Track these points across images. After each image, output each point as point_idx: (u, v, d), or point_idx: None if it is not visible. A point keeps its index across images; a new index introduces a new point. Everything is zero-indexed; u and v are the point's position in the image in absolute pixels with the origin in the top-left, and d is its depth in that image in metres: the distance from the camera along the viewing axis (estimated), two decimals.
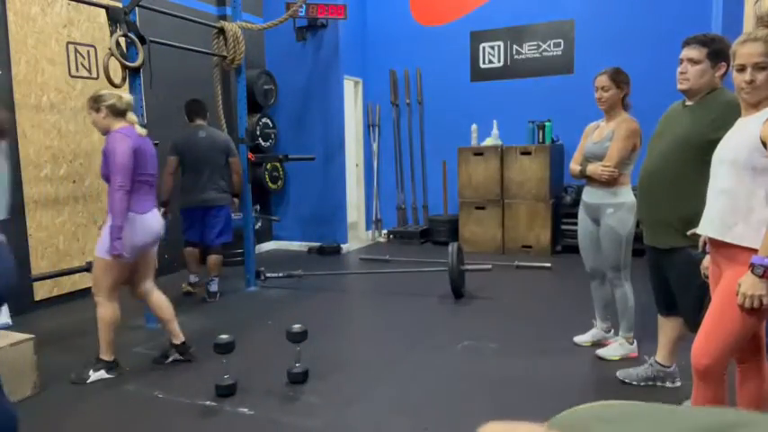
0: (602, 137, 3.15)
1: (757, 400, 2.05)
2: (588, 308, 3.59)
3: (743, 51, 1.84)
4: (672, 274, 2.55)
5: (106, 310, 3.17)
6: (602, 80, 3.14)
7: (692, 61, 2.39)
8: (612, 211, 3.13)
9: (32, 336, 2.98)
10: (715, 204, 1.95)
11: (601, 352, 3.27)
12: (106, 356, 3.20)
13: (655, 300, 2.78)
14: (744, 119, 1.93)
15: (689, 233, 2.29)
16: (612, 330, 3.44)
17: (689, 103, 2.47)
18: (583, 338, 3.49)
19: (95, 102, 3.13)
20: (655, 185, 2.51)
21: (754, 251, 1.77)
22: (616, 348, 3.25)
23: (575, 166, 3.28)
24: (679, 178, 2.41)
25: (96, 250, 3.14)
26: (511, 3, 6.57)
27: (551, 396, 2.79)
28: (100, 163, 3.21)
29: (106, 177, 3.11)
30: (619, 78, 3.12)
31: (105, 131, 3.17)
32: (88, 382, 3.12)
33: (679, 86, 2.45)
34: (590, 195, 3.24)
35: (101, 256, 3.10)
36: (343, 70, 6.75)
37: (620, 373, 2.96)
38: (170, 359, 3.37)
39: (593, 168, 3.12)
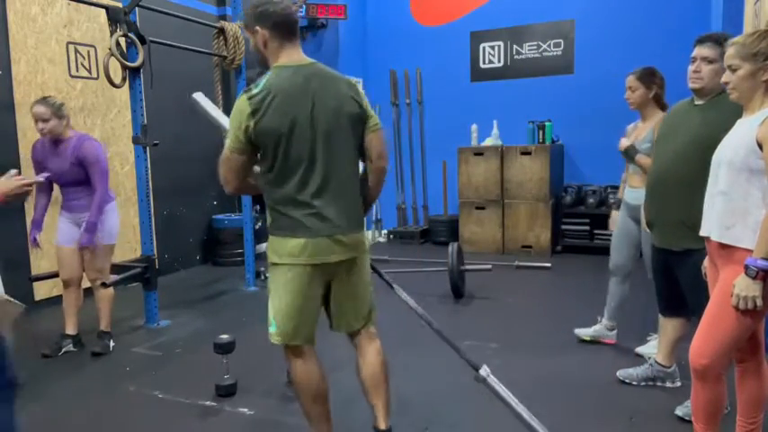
0: (642, 137, 3.10)
1: (757, 400, 2.06)
2: (588, 308, 3.60)
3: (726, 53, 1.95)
4: (684, 275, 2.49)
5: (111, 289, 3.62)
6: (630, 80, 3.14)
7: (707, 60, 2.37)
8: None
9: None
10: (713, 206, 1.95)
11: (640, 349, 3.26)
12: (110, 328, 3.66)
13: (657, 301, 2.77)
14: (741, 120, 1.94)
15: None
16: (615, 330, 3.45)
17: (699, 102, 2.44)
18: (584, 332, 3.50)
19: (59, 110, 3.36)
20: (667, 187, 2.47)
21: (751, 252, 1.78)
22: (655, 345, 3.11)
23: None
24: (693, 179, 2.29)
25: (96, 240, 3.44)
26: (511, 3, 6.57)
27: (551, 396, 2.79)
28: (52, 166, 3.38)
29: (75, 181, 3.40)
30: (646, 78, 3.10)
31: (55, 137, 3.38)
32: (111, 349, 3.59)
33: (692, 85, 2.42)
34: (633, 197, 3.18)
35: (107, 243, 3.53)
36: (343, 70, 6.71)
37: (620, 373, 2.96)
38: (63, 350, 3.54)
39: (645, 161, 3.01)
